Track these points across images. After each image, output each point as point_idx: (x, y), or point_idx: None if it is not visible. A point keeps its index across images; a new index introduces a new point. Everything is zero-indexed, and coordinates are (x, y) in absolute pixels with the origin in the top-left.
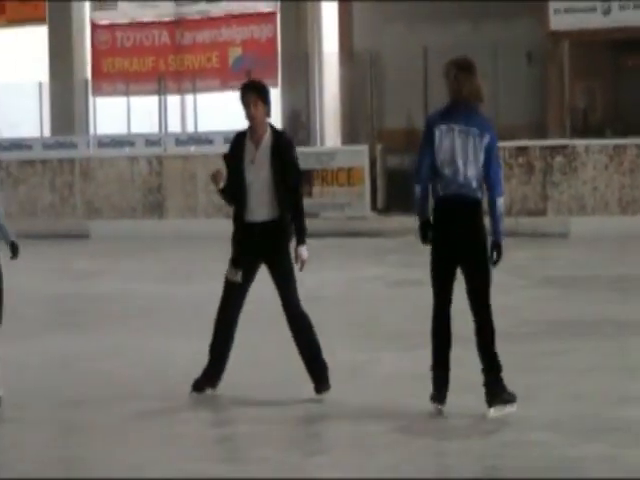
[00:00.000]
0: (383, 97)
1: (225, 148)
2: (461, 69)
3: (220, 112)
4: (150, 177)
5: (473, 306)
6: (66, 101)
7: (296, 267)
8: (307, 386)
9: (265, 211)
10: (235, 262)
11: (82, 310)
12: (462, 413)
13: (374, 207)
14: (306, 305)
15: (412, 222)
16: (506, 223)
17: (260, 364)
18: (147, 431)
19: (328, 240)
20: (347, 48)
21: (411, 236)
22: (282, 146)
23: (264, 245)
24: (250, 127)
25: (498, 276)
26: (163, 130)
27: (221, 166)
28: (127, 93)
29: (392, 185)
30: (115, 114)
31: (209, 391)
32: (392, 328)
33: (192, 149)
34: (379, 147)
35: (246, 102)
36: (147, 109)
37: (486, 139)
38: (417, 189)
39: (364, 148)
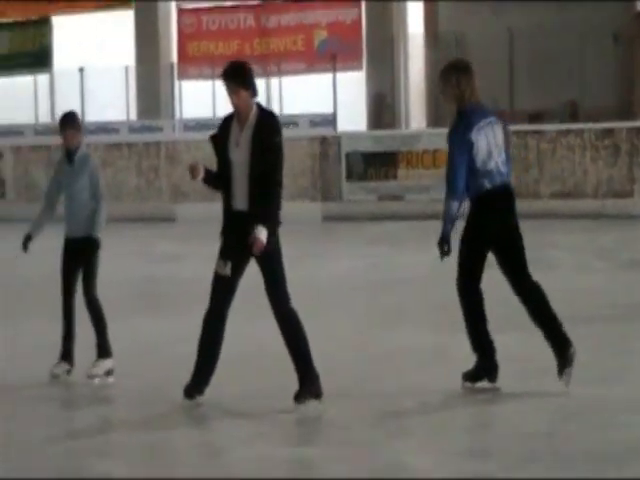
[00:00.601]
0: None
1: (311, 131)
2: (462, 73)
3: (305, 95)
4: None
5: (517, 281)
6: (152, 85)
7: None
8: (387, 368)
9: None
10: (223, 254)
11: (167, 293)
12: (541, 393)
13: None
14: (390, 288)
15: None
16: (592, 205)
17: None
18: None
19: (413, 223)
20: (432, 30)
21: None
22: (264, 127)
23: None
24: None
25: (584, 258)
26: None
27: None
28: (212, 76)
29: None
30: (200, 97)
31: (198, 398)
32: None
33: None
34: None
35: (228, 92)
36: None
37: (502, 126)
38: (454, 205)
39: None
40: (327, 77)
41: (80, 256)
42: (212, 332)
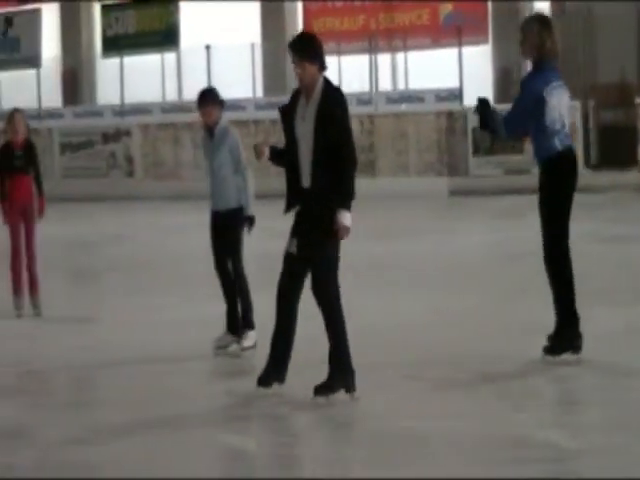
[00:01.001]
0: (595, 53)
1: (437, 106)
2: (544, 24)
3: (431, 69)
4: (362, 136)
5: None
6: (278, 62)
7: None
8: (507, 342)
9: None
10: (292, 231)
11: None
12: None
13: (587, 163)
14: (512, 263)
15: (625, 178)
16: None
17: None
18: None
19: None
20: (559, 4)
21: (624, 192)
22: (327, 100)
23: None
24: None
25: None
26: (374, 89)
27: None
28: (338, 52)
29: (605, 141)
30: (326, 73)
31: (276, 386)
32: (605, 284)
33: (403, 107)
34: (592, 103)
35: (293, 63)
36: (358, 68)
37: (568, 93)
38: (502, 133)
39: (576, 104)
40: (453, 51)
41: (226, 230)
42: (286, 315)
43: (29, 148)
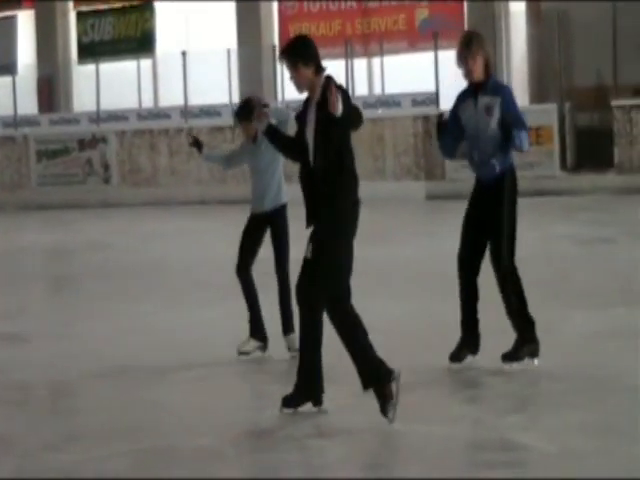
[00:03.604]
0: (571, 55)
1: (414, 110)
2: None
3: (408, 74)
4: None
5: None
6: (254, 67)
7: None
8: (495, 344)
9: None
10: (310, 236)
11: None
12: None
13: (564, 166)
14: (490, 266)
15: (602, 180)
16: None
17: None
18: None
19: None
20: (534, 7)
21: (602, 194)
22: (325, 102)
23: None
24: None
25: None
26: (351, 93)
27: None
28: None
29: (582, 143)
30: None
31: (308, 407)
32: (584, 286)
33: (380, 112)
34: (568, 105)
35: (288, 70)
36: (334, 73)
37: None
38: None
39: (553, 107)
40: (429, 56)
41: (276, 230)
42: (309, 320)
43: None
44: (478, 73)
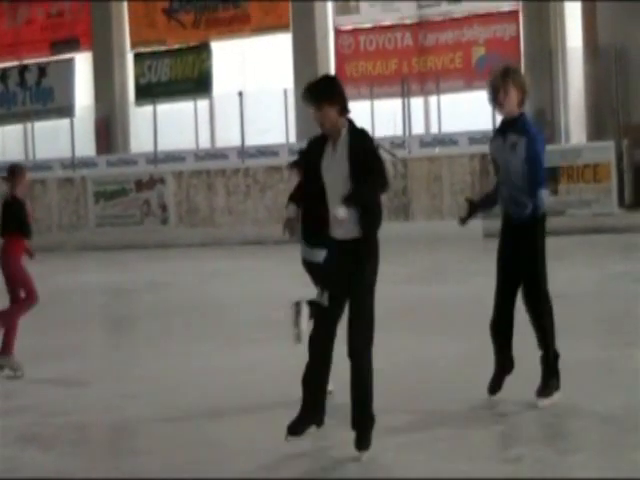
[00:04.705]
0: (629, 92)
1: (471, 149)
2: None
3: (464, 112)
4: (395, 180)
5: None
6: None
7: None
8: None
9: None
10: (323, 282)
11: None
12: None
13: (621, 203)
14: (555, 303)
15: None
16: None
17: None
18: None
19: (575, 237)
20: (591, 43)
21: None
22: (356, 139)
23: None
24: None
25: None
26: (407, 132)
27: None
28: (371, 96)
29: (639, 180)
30: (359, 118)
31: (312, 429)
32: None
33: (437, 150)
34: (626, 142)
35: (312, 108)
36: (391, 112)
37: None
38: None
39: (610, 144)
40: (485, 94)
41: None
42: (318, 368)
43: None
44: (510, 108)
